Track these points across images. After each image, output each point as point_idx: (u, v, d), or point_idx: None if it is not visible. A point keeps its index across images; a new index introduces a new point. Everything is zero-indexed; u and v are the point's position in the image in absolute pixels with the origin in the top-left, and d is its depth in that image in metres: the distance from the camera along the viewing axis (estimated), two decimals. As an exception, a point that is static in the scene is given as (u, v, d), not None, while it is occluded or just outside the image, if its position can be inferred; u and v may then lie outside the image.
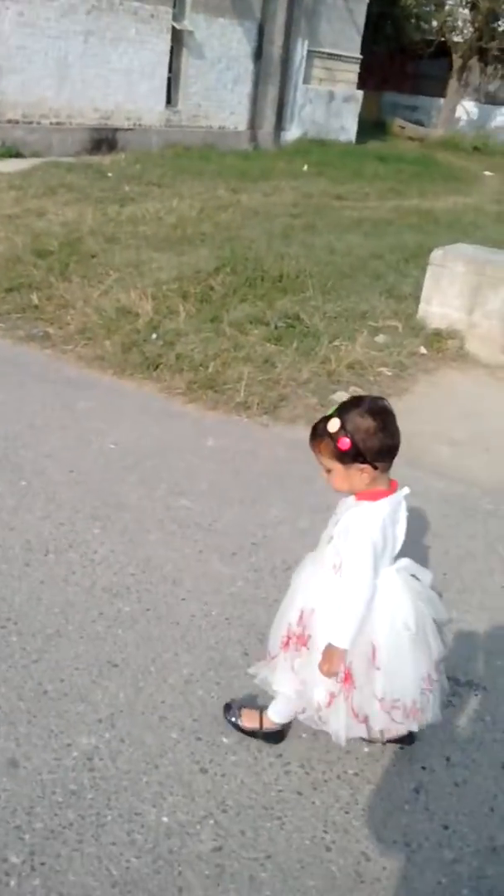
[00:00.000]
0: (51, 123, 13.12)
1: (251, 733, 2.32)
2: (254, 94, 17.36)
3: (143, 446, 4.09)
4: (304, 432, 4.55)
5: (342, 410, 2.00)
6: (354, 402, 2.04)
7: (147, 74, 14.45)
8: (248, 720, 2.33)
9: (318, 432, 2.03)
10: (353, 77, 20.72)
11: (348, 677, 2.08)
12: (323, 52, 19.08)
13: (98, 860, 1.94)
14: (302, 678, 2.15)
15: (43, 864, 1.91)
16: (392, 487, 2.07)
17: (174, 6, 14.63)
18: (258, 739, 2.32)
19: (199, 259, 6.94)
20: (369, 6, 20.03)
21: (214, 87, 16.24)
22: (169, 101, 15.31)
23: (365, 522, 2.00)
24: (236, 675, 2.58)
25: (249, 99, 17.31)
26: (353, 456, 1.97)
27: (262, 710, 2.33)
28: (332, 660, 2.03)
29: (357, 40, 20.24)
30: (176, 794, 2.15)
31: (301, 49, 18.08)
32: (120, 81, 13.98)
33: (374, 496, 2.03)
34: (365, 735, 2.22)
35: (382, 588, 2.04)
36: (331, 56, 19.44)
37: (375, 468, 1.99)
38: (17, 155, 12.20)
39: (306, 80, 18.75)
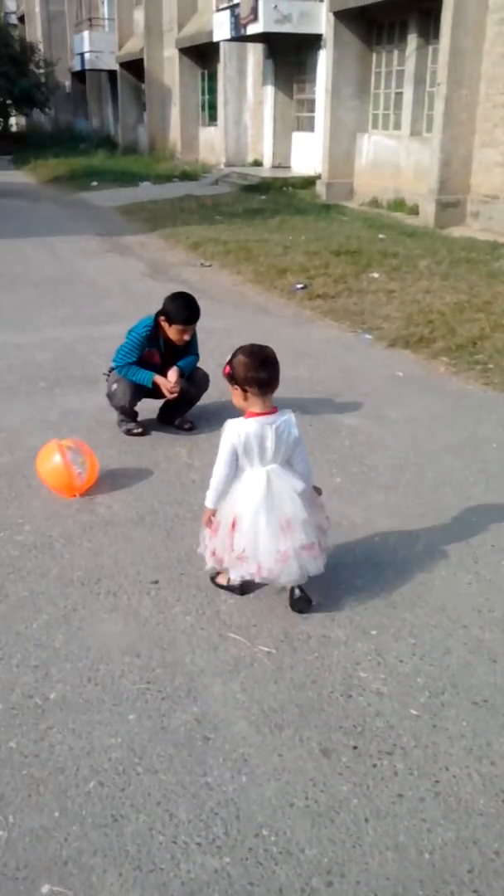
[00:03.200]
0: None
1: (222, 587, 3.21)
2: None
3: None
4: None
5: (237, 350, 2.89)
6: (245, 346, 2.91)
7: None
8: (221, 579, 3.23)
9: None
10: None
11: (215, 530, 3.00)
12: None
13: None
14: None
15: None
16: (268, 412, 2.87)
17: None
18: (228, 592, 3.17)
19: None
20: None
21: None
22: None
23: (230, 429, 2.89)
24: None
25: None
26: (230, 379, 2.89)
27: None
28: (204, 514, 3.05)
29: None
30: None
31: None
32: None
33: (248, 415, 2.89)
34: (219, 567, 3.11)
35: (247, 479, 2.93)
36: None
37: (245, 391, 2.85)
38: None
39: None
